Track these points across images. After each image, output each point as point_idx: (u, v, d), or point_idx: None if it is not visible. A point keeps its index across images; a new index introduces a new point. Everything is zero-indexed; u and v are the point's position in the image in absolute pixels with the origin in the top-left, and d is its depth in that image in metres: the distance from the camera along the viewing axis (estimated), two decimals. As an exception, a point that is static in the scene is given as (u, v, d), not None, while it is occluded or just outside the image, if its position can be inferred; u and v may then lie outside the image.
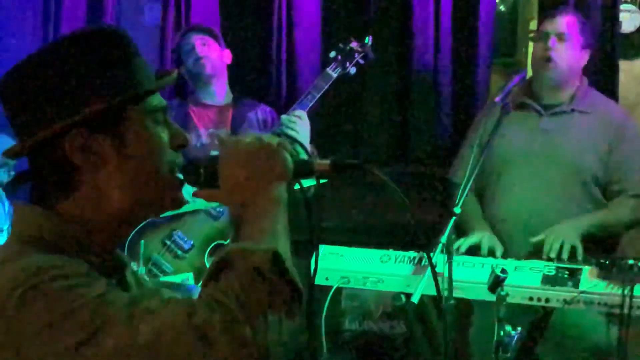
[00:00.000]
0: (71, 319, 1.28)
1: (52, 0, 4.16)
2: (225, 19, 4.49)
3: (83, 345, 1.27)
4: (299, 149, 1.61)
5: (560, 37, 3.60)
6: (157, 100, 1.54)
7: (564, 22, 3.63)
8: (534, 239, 3.46)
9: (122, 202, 1.49)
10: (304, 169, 1.56)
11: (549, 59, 3.61)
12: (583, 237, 3.46)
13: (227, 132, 3.95)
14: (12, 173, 3.35)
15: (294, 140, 1.64)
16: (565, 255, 3.35)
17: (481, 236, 3.58)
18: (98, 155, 1.46)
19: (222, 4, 4.50)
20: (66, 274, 1.34)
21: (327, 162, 1.57)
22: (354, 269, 3.37)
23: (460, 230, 3.61)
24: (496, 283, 2.99)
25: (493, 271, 3.03)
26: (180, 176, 1.56)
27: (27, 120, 1.47)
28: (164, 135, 1.53)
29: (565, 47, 3.61)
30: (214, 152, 1.59)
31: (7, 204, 3.53)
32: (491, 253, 3.51)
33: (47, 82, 1.46)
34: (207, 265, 3.64)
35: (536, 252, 3.45)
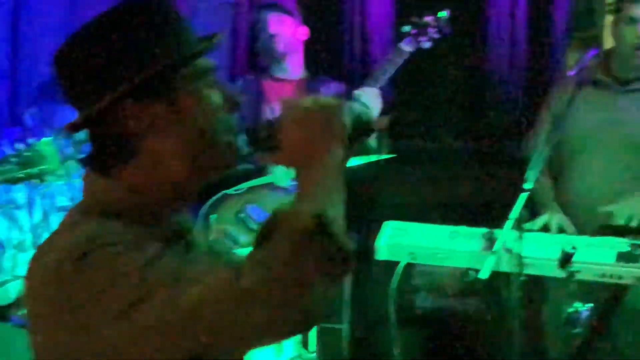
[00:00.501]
0: (119, 284, 1.30)
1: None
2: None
3: (131, 309, 1.29)
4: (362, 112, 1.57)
5: None
6: (205, 62, 1.53)
7: None
8: (604, 209, 3.43)
9: (179, 166, 1.50)
10: (362, 127, 1.53)
11: (636, 44, 3.53)
12: None
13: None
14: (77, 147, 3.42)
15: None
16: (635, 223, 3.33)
17: (550, 217, 3.57)
18: (152, 121, 1.47)
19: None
20: (118, 240, 1.36)
21: (385, 117, 1.54)
22: (422, 244, 3.34)
23: (533, 209, 3.52)
24: (565, 259, 2.98)
25: (563, 249, 3.00)
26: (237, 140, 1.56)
27: (82, 91, 1.49)
28: (216, 97, 1.53)
29: None
30: None
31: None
32: (561, 230, 3.51)
33: (98, 53, 1.47)
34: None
35: (605, 225, 3.41)
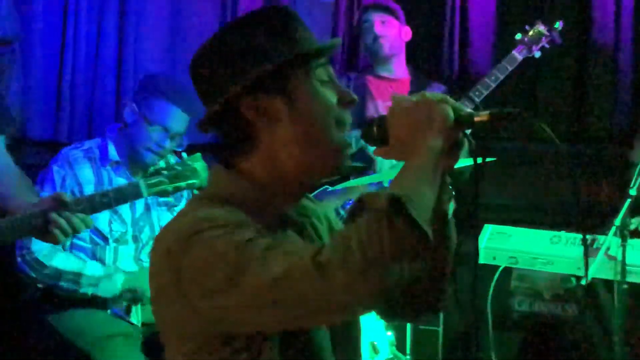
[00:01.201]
0: (221, 260, 1.42)
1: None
2: (399, -3, 4.45)
3: (231, 283, 1.41)
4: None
5: None
6: (322, 63, 1.62)
7: None
8: None
9: (293, 159, 1.60)
10: (464, 120, 1.55)
11: None
12: None
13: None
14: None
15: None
16: None
17: None
18: (271, 113, 1.58)
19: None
20: (222, 224, 1.47)
21: (486, 112, 1.57)
22: (522, 249, 3.29)
23: (638, 210, 3.41)
24: None
25: None
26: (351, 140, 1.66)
27: (208, 89, 1.63)
28: (331, 94, 1.62)
29: None
30: None
31: None
32: None
33: (222, 54, 1.61)
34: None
35: None
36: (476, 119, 1.57)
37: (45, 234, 2.61)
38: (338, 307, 1.40)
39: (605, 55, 4.20)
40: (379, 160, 3.76)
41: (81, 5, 3.83)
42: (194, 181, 2.94)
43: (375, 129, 1.60)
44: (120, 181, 3.44)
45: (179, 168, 2.92)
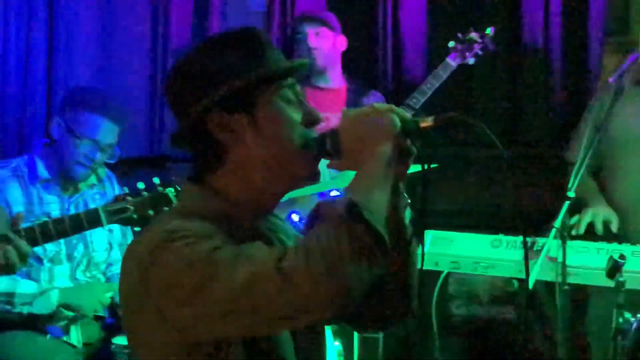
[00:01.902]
0: (188, 271, 1.46)
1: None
2: (330, 5, 4.44)
3: (198, 292, 1.44)
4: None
5: None
6: (288, 82, 1.67)
7: None
8: None
9: (260, 174, 1.65)
10: (410, 127, 1.61)
11: None
12: None
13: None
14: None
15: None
16: None
17: (596, 212, 3.52)
18: (236, 131, 1.62)
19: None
20: (190, 234, 1.51)
21: (431, 118, 1.62)
22: (464, 254, 3.31)
23: (576, 210, 3.51)
24: (614, 269, 2.91)
25: (611, 257, 2.95)
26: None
27: (179, 105, 1.68)
28: (295, 114, 1.66)
29: None
30: None
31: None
32: (607, 228, 3.47)
33: (192, 73, 1.66)
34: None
35: None
36: (422, 125, 1.61)
37: None
38: (302, 311, 1.42)
39: (536, 58, 4.25)
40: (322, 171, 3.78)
41: (9, 17, 3.74)
42: (164, 209, 2.76)
43: (328, 142, 1.63)
44: (51, 199, 3.39)
45: (147, 195, 2.78)
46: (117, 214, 2.76)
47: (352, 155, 1.59)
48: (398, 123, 1.58)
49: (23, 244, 2.59)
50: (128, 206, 2.75)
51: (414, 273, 1.75)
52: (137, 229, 2.95)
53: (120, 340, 3.08)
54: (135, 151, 3.86)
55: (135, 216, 2.76)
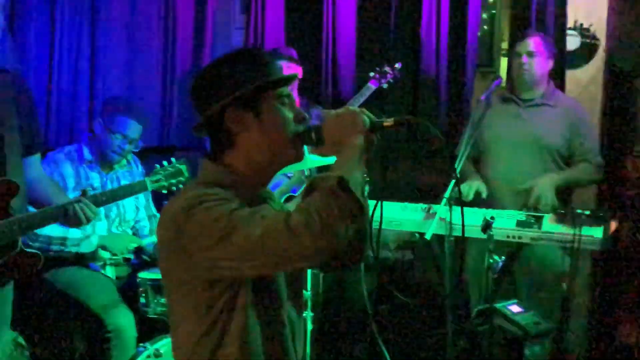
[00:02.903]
0: (214, 224, 1.44)
1: (171, 27, 4.10)
2: (289, 41, 4.39)
3: (222, 240, 1.43)
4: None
5: (530, 54, 3.55)
6: (284, 90, 1.64)
7: (532, 42, 3.57)
8: (522, 187, 3.44)
9: (261, 156, 1.62)
10: (376, 125, 1.59)
11: (522, 70, 3.58)
12: (557, 187, 3.43)
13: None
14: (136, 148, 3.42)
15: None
16: (540, 204, 3.34)
17: (471, 182, 3.56)
18: (245, 124, 1.60)
19: (287, 29, 4.42)
20: (214, 198, 1.49)
21: (391, 120, 1.61)
22: (384, 214, 3.29)
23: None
24: (486, 226, 2.99)
25: (484, 218, 3.03)
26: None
27: (202, 103, 1.64)
28: (288, 113, 1.63)
29: (534, 61, 3.57)
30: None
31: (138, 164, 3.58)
32: (479, 194, 3.51)
33: (213, 80, 1.63)
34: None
35: (523, 201, 3.41)
36: (385, 124, 1.60)
37: (66, 221, 2.53)
38: (303, 257, 1.40)
39: (430, 85, 4.26)
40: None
41: (63, 51, 3.68)
42: (181, 179, 2.93)
43: (313, 134, 1.62)
44: (94, 175, 3.35)
45: (171, 169, 2.91)
46: (155, 182, 2.86)
47: (334, 144, 1.57)
48: (367, 121, 1.57)
49: (92, 206, 2.55)
50: (161, 177, 2.84)
51: (368, 230, 1.68)
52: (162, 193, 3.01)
53: (143, 274, 3.04)
54: (151, 142, 3.84)
55: (165, 183, 2.88)
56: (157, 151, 3.88)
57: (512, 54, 3.76)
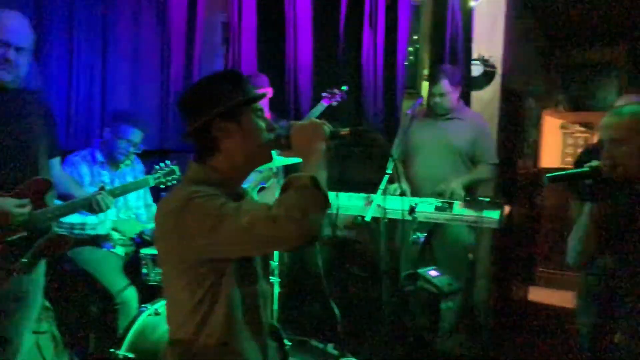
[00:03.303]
0: (208, 215, 1.40)
1: (167, 53, 4.06)
2: (260, 67, 4.39)
3: (215, 228, 1.39)
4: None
5: (442, 95, 3.56)
6: (258, 105, 1.61)
7: (442, 85, 3.56)
8: (438, 188, 3.46)
9: (241, 158, 1.57)
10: (335, 134, 1.58)
11: (437, 105, 3.60)
12: (464, 185, 3.47)
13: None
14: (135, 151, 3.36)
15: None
16: (452, 197, 3.37)
17: (398, 185, 3.58)
18: (229, 133, 1.55)
19: (258, 58, 4.42)
20: (206, 194, 1.45)
21: (347, 129, 1.60)
22: (334, 202, 3.29)
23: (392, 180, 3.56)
24: (411, 210, 3.07)
25: (410, 204, 3.11)
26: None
27: (192, 115, 1.57)
28: (262, 124, 1.60)
29: (445, 99, 3.54)
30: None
31: (139, 164, 3.51)
32: (404, 193, 3.54)
33: (202, 96, 1.57)
34: (255, 196, 3.66)
35: (438, 194, 3.44)
36: (342, 133, 1.59)
37: (90, 209, 2.54)
38: (282, 241, 1.36)
39: (369, 102, 4.24)
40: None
41: (80, 72, 3.62)
42: (174, 176, 2.89)
43: (282, 141, 1.59)
44: (104, 173, 3.30)
45: (167, 169, 2.87)
46: (156, 179, 2.83)
47: (300, 148, 1.55)
48: (328, 131, 1.55)
49: (110, 197, 2.56)
50: (160, 175, 2.81)
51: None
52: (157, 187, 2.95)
53: (145, 251, 3.02)
54: (151, 146, 3.80)
55: (162, 180, 2.84)
56: (155, 153, 3.83)
57: (429, 87, 3.74)
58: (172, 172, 2.89)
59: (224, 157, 1.55)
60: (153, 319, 2.66)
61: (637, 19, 5.10)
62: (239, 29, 4.30)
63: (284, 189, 1.42)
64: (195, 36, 4.12)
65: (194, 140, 1.59)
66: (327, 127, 1.56)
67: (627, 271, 1.92)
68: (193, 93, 1.58)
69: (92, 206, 2.51)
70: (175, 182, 2.89)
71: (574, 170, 1.86)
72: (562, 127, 5.82)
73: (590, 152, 3.29)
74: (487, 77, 4.19)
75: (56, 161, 2.56)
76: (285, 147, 1.59)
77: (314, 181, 1.38)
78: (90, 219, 3.15)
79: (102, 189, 2.57)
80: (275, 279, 3.12)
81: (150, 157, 3.61)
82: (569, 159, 5.50)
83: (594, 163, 1.87)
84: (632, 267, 1.90)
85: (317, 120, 1.58)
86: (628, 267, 1.92)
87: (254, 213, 1.37)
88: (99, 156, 3.30)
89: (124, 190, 2.75)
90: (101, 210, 2.53)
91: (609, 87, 6.06)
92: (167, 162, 2.94)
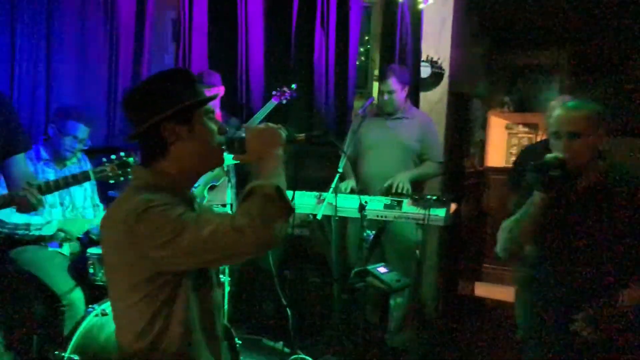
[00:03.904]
0: (165, 226, 1.33)
1: (114, 48, 3.96)
2: (212, 63, 4.35)
3: (172, 240, 1.33)
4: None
5: (390, 92, 3.64)
6: (210, 107, 1.55)
7: (390, 83, 3.63)
8: (386, 183, 3.52)
9: (192, 162, 1.51)
10: (291, 139, 1.55)
11: (385, 103, 3.68)
12: (410, 180, 3.54)
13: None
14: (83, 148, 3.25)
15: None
16: (400, 191, 3.44)
17: (348, 182, 3.65)
18: (179, 135, 1.48)
19: (209, 56, 4.38)
20: (162, 204, 1.37)
21: (303, 135, 1.59)
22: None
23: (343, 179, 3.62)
24: (361, 207, 3.09)
25: (360, 202, 3.11)
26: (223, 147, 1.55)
27: (139, 116, 1.49)
28: (214, 126, 1.54)
29: (393, 96, 3.65)
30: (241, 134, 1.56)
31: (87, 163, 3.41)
32: (352, 190, 3.59)
33: (150, 96, 1.49)
34: (206, 195, 3.63)
35: (387, 190, 3.49)
36: (298, 138, 1.57)
37: (18, 206, 2.39)
38: (245, 252, 1.33)
39: (321, 102, 4.29)
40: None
41: (22, 64, 3.50)
42: (129, 169, 2.59)
43: (236, 144, 1.53)
44: (49, 171, 3.21)
45: (118, 162, 2.59)
46: (99, 173, 2.57)
47: (256, 153, 1.48)
48: (284, 135, 1.51)
49: (36, 192, 2.34)
50: (106, 168, 2.58)
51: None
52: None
53: (92, 250, 2.96)
54: (98, 143, 3.73)
55: (110, 174, 2.58)
56: (103, 150, 3.75)
57: (379, 85, 3.80)
58: (125, 164, 2.60)
59: (173, 160, 1.48)
60: (100, 319, 2.62)
61: (578, 23, 5.34)
62: (189, 26, 4.25)
63: (245, 197, 1.37)
64: (144, 31, 4.05)
65: (140, 143, 1.51)
66: (284, 132, 1.52)
67: (555, 262, 2.03)
68: (141, 92, 1.49)
69: (16, 202, 2.33)
70: (130, 177, 2.78)
71: (546, 161, 1.92)
72: (507, 127, 6.04)
73: (530, 151, 3.45)
74: (436, 78, 4.29)
75: (19, 158, 2.44)
76: (239, 152, 1.53)
77: (279, 191, 1.34)
78: (35, 219, 3.06)
79: (28, 184, 2.39)
80: (225, 278, 3.11)
81: (97, 155, 3.54)
82: (514, 159, 5.71)
83: (560, 155, 1.93)
84: (560, 258, 2.02)
85: (274, 125, 1.53)
86: (556, 258, 2.03)
87: (218, 223, 1.31)
88: (44, 153, 3.22)
89: (56, 185, 2.53)
90: (31, 206, 2.36)
91: (552, 89, 6.33)
92: (122, 154, 2.80)
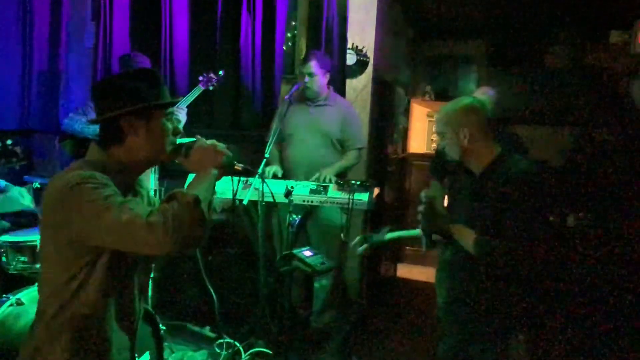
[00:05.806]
0: (92, 203, 1.44)
1: (27, 28, 3.78)
2: (135, 44, 4.24)
3: (95, 218, 1.43)
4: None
5: (310, 74, 3.69)
6: (169, 110, 1.67)
7: (311, 65, 3.69)
8: (314, 177, 3.53)
9: (142, 155, 1.63)
10: (230, 164, 1.66)
11: (306, 86, 3.72)
12: (335, 174, 3.59)
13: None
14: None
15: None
16: (326, 182, 3.48)
17: (271, 167, 3.68)
18: (135, 129, 1.61)
19: (131, 35, 4.27)
20: (96, 181, 1.48)
21: (241, 165, 1.72)
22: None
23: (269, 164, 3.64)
24: (288, 193, 3.10)
25: (287, 187, 3.14)
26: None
27: (104, 106, 1.62)
28: (170, 126, 1.66)
29: (314, 79, 3.70)
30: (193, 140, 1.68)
31: None
32: (275, 175, 3.62)
33: (117, 89, 1.61)
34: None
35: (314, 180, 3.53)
36: (236, 167, 1.69)
37: None
38: (151, 247, 1.41)
39: (248, 88, 4.25)
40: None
41: None
42: (15, 160, 2.56)
43: (183, 149, 1.65)
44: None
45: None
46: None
47: (196, 165, 1.62)
48: (225, 160, 1.63)
49: None
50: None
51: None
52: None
53: (4, 238, 2.82)
54: (10, 125, 3.55)
55: None
56: (16, 133, 3.58)
57: (300, 68, 3.84)
58: (11, 154, 2.55)
59: (126, 150, 1.61)
60: (15, 309, 2.53)
61: (497, 15, 5.59)
62: (110, 5, 4.12)
63: (167, 200, 1.47)
64: (61, 8, 3.88)
65: (100, 128, 1.64)
66: (227, 157, 1.64)
67: (457, 244, 2.22)
68: (110, 84, 1.63)
69: None
70: (17, 166, 2.66)
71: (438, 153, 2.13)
72: (429, 115, 6.25)
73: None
74: (361, 66, 4.37)
75: None
76: (183, 157, 1.65)
77: (197, 201, 1.44)
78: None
79: None
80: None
81: (12, 137, 3.37)
82: (434, 145, 5.94)
83: (441, 148, 2.21)
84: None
85: (222, 147, 1.65)
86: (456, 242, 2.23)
87: (135, 213, 1.41)
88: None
89: None
90: None
91: (470, 79, 6.60)
92: (8, 142, 2.69)
